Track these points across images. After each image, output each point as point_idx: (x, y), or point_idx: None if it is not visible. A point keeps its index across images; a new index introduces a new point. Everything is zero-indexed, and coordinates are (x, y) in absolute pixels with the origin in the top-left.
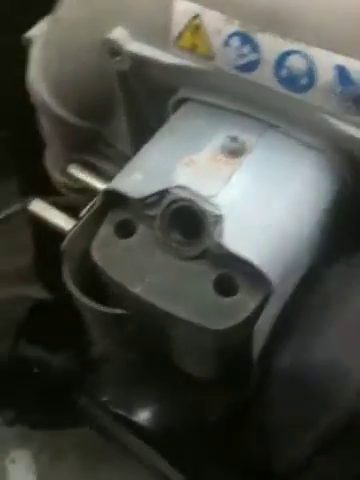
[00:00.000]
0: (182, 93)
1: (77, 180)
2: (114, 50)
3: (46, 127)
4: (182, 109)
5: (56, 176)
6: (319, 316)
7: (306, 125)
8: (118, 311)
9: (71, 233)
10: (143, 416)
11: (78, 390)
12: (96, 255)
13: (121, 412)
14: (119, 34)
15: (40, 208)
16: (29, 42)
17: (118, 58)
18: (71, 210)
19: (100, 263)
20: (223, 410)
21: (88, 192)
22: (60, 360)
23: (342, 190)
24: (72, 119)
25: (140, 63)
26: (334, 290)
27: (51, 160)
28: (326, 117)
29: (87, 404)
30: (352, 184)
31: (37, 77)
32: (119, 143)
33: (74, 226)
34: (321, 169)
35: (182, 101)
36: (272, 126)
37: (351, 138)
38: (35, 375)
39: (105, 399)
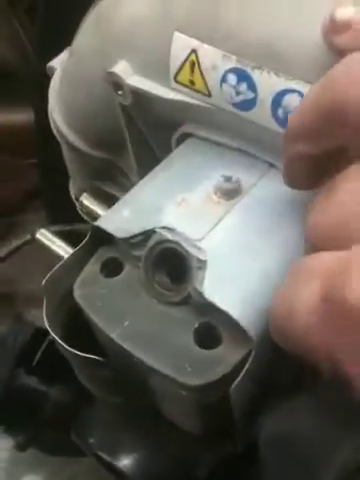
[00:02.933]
0: (184, 128)
1: (89, 210)
2: (117, 84)
3: (65, 155)
4: (183, 145)
5: (77, 203)
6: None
7: None
8: (91, 356)
9: (53, 270)
10: (127, 463)
11: (70, 426)
12: (77, 293)
13: (104, 456)
14: (122, 68)
15: (45, 238)
16: (52, 71)
17: (120, 92)
18: None
19: (80, 302)
20: (212, 465)
21: None
22: (57, 392)
23: None
24: (87, 149)
25: (141, 97)
26: None
27: (72, 187)
28: None
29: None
30: None
31: (55, 106)
32: (132, 174)
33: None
34: None
35: (185, 136)
36: (274, 166)
37: None
38: (33, 404)
39: (91, 440)
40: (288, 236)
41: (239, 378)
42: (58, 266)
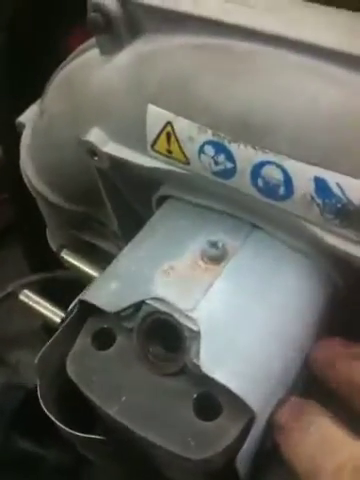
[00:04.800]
0: (163, 190)
1: (71, 266)
2: (92, 151)
3: (40, 207)
4: (163, 208)
5: (55, 251)
6: None
7: (290, 230)
8: (92, 437)
9: (45, 348)
10: None
11: None
12: (70, 369)
13: None
14: (96, 136)
15: (29, 299)
16: (21, 126)
17: (96, 158)
18: (73, 284)
19: (74, 379)
20: None
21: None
22: (54, 454)
23: (333, 294)
24: (62, 203)
25: (119, 162)
26: None
27: (50, 236)
28: (308, 226)
29: None
30: (344, 287)
31: (27, 163)
32: (111, 224)
33: (48, 342)
34: (309, 274)
35: (165, 197)
36: (257, 227)
37: (336, 249)
38: (30, 468)
39: None
40: (282, 299)
41: (244, 448)
42: (49, 344)
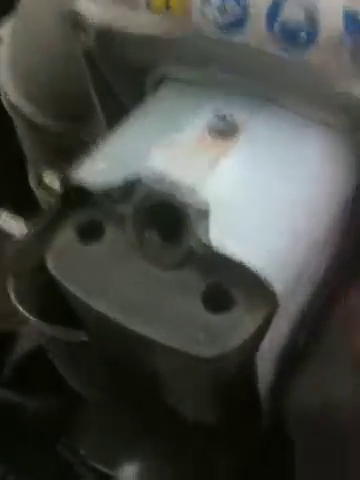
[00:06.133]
0: (159, 71)
1: (52, 190)
2: (78, 23)
3: (21, 133)
4: (161, 88)
5: (37, 191)
6: (340, 338)
7: (311, 95)
8: (77, 336)
9: (19, 240)
10: (127, 474)
11: (57, 438)
12: (52, 264)
13: (100, 467)
14: (83, 4)
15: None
16: None
17: (83, 34)
18: None
19: (56, 274)
20: (232, 472)
21: None
22: (36, 404)
23: None
24: (44, 119)
25: (107, 34)
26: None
27: (31, 172)
28: (335, 80)
29: (66, 455)
30: None
31: (6, 77)
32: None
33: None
34: (335, 149)
35: (161, 81)
36: (269, 100)
37: None
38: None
39: (83, 452)
40: (303, 173)
41: (265, 343)
42: (25, 235)
